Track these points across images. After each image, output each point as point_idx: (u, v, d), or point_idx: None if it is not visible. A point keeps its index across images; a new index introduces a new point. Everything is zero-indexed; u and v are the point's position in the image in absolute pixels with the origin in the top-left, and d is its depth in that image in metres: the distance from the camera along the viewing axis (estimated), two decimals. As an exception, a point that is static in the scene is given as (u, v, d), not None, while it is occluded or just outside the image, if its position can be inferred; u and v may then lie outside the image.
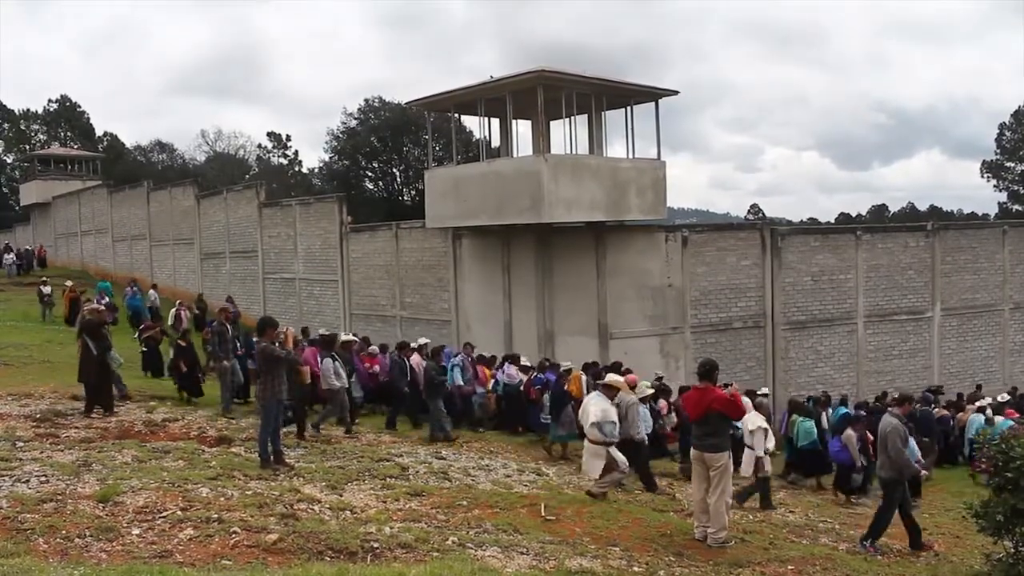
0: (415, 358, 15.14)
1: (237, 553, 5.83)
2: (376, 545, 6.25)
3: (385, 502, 8.06)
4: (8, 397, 12.40)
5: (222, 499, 7.26)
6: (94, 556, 5.56)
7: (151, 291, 27.87)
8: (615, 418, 9.34)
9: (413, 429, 14.13)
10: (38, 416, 10.93)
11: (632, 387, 11.64)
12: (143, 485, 7.42)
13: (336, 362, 12.79)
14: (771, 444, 11.54)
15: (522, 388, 15.28)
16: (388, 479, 9.17)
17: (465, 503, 8.27)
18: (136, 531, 6.15)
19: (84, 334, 12.32)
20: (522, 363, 16.07)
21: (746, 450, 11.48)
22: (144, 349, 17.72)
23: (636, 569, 6.77)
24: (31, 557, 5.31)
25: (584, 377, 14.73)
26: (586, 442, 9.31)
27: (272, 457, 9.18)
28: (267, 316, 10.26)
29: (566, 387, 13.97)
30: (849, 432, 13.41)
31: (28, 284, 33.47)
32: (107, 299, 26.01)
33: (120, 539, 5.94)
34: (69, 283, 28.39)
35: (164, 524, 6.35)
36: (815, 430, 14.27)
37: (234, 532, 6.23)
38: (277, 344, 9.53)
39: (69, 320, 25.58)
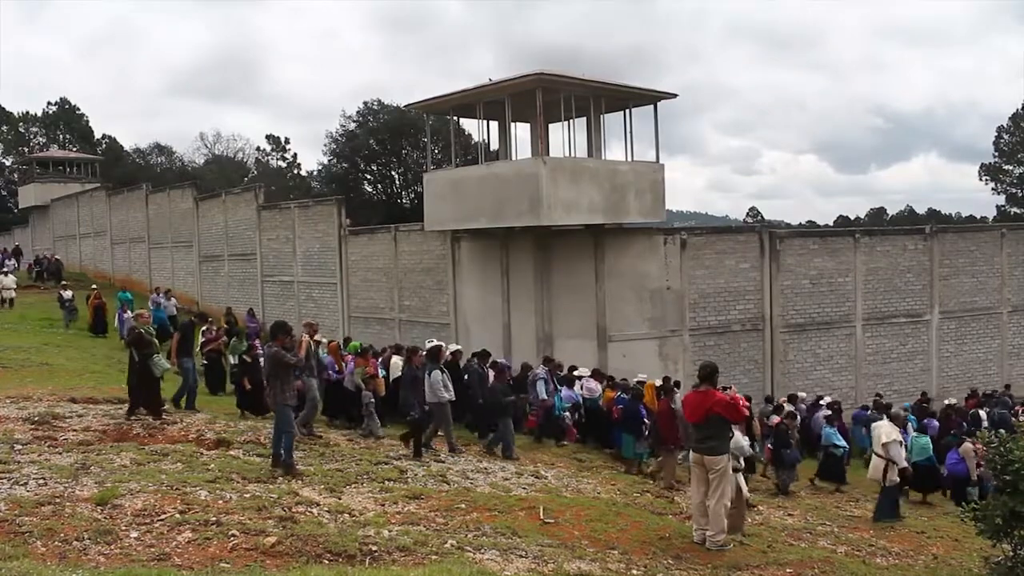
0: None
1: (235, 556, 5.82)
2: (374, 548, 6.25)
3: (384, 505, 8.06)
4: (6, 400, 12.36)
5: (220, 502, 7.24)
6: (92, 559, 5.55)
7: (162, 299, 26.56)
8: (742, 442, 9.20)
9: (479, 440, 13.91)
10: (36, 419, 10.90)
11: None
12: (141, 488, 7.41)
13: (444, 374, 12.40)
14: (904, 453, 11.49)
15: (601, 403, 15.20)
16: (387, 482, 9.16)
17: (463, 506, 8.26)
18: (134, 534, 6.14)
19: (128, 340, 12.24)
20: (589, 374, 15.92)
21: (874, 457, 11.50)
22: (205, 363, 16.71)
23: (635, 572, 6.77)
24: (29, 560, 5.30)
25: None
26: None
27: (271, 460, 9.16)
28: (280, 321, 10.10)
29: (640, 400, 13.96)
30: (967, 445, 13.29)
31: (26, 287, 33.41)
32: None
33: (118, 542, 5.93)
34: (94, 287, 27.65)
35: (162, 527, 6.34)
36: (931, 446, 14.06)
37: (232, 535, 6.23)
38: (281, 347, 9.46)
39: (94, 328, 24.61)
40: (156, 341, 12.31)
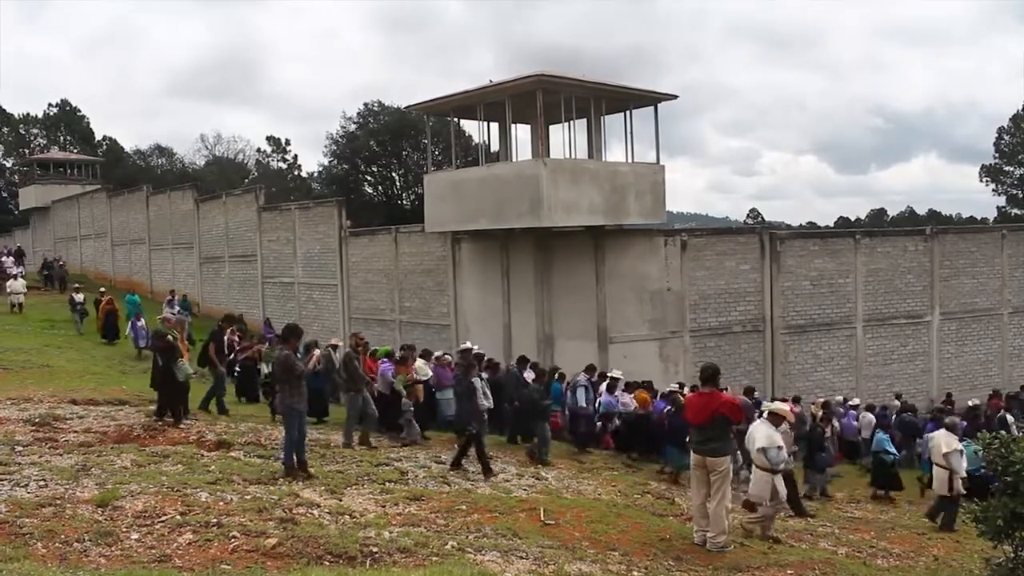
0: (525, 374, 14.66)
1: (236, 557, 5.82)
2: (375, 549, 6.24)
3: (384, 506, 8.05)
4: (7, 401, 12.36)
5: (221, 503, 7.24)
6: (93, 561, 5.55)
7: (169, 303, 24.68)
8: (781, 443, 9.10)
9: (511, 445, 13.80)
10: (37, 420, 10.90)
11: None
12: (142, 489, 7.41)
13: (483, 381, 12.35)
14: (965, 464, 11.40)
15: (636, 408, 15.06)
16: (387, 483, 9.15)
17: (464, 507, 8.25)
18: (135, 535, 6.14)
19: (152, 345, 12.27)
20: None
21: (935, 469, 11.48)
22: (238, 371, 16.38)
23: (635, 574, 6.76)
24: (30, 562, 5.30)
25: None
26: (753, 468, 9.05)
27: (296, 466, 9.02)
28: (293, 324, 9.91)
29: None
30: None
31: (29, 288, 33.32)
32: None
33: (119, 544, 5.93)
34: (102, 289, 26.80)
35: (163, 528, 6.33)
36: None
37: (233, 536, 6.22)
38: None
39: (105, 334, 23.07)
40: (180, 346, 12.22)
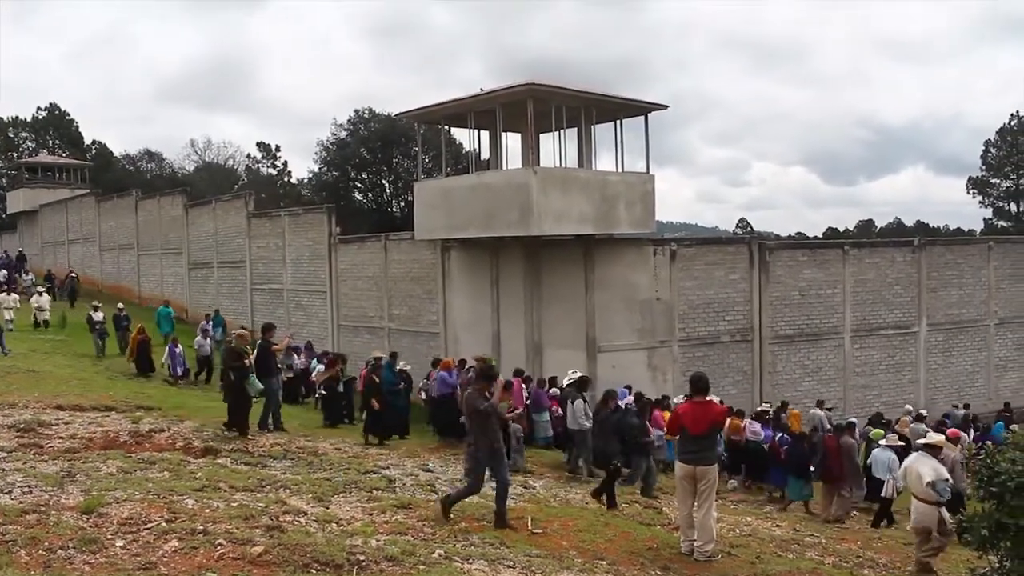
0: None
1: (222, 565, 5.79)
2: (362, 558, 6.22)
3: (372, 514, 8.02)
4: (-9, 407, 12.27)
5: (207, 511, 7.20)
6: (77, 568, 5.51)
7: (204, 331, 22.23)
8: (947, 476, 8.91)
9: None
10: (22, 426, 10.81)
11: (955, 440, 11.52)
12: (128, 496, 7.36)
13: (586, 403, 12.69)
14: None
15: (767, 447, 15.26)
16: (375, 491, 9.12)
17: (452, 516, 8.23)
18: (120, 543, 6.09)
19: (227, 362, 12.46)
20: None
21: None
22: (323, 393, 16.22)
23: (623, 583, 6.76)
24: (13, 569, 5.25)
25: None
26: (915, 502, 8.92)
27: (495, 517, 8.17)
28: (490, 366, 8.69)
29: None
30: None
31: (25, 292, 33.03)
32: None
33: (104, 551, 5.88)
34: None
35: (149, 536, 6.29)
36: None
37: (219, 544, 6.19)
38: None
39: (139, 366, 20.32)
40: (250, 362, 12.29)
